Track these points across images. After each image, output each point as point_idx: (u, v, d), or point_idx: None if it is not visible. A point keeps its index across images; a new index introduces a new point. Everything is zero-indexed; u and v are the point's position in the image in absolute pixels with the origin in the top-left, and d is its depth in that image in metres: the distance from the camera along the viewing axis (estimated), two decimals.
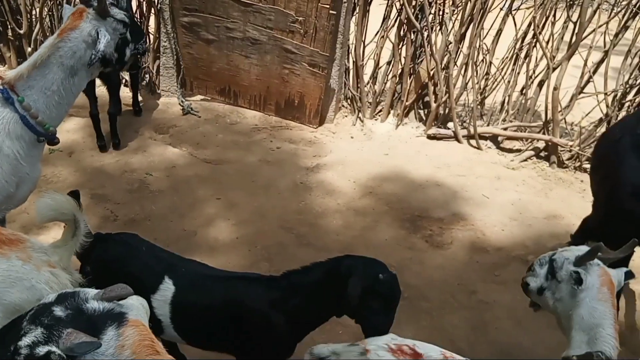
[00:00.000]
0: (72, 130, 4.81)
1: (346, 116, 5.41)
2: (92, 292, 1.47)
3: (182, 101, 5.26)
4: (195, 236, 3.68)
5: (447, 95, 4.95)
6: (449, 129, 5.08)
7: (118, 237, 2.21)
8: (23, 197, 2.57)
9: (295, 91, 5.13)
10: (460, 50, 4.99)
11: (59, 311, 1.38)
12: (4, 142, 2.33)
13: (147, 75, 5.48)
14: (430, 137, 5.05)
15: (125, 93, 5.43)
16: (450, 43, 4.92)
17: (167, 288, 2.07)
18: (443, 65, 4.95)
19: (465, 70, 5.00)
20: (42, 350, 1.28)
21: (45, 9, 5.18)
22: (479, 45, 4.90)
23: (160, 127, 5.00)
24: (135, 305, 1.51)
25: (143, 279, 2.08)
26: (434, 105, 5.02)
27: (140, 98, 5.21)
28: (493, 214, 4.09)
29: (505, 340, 3.07)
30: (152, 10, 5.18)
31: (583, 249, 2.07)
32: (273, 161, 4.60)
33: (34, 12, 5.29)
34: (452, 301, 3.31)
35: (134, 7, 5.02)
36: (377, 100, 5.33)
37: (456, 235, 3.87)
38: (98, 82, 4.57)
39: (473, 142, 4.99)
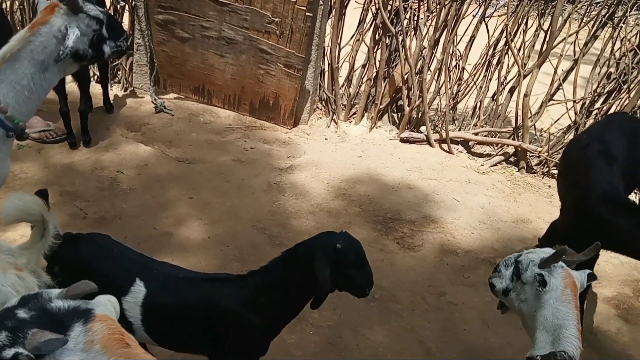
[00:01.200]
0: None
1: (320, 118, 5.43)
2: (55, 291, 1.45)
3: (155, 99, 5.20)
4: (166, 235, 3.65)
5: (421, 99, 5.01)
6: (421, 132, 5.14)
7: (89, 237, 2.17)
8: None
9: (270, 92, 5.14)
10: (434, 56, 5.06)
11: (22, 313, 1.36)
12: None
13: (119, 72, 5.42)
14: (403, 141, 5.11)
15: (97, 89, 5.37)
16: (425, 48, 4.98)
17: (139, 290, 2.05)
18: (417, 70, 5.01)
19: (439, 76, 5.07)
20: (8, 353, 1.27)
21: (17, 2, 5.08)
22: (453, 51, 4.97)
23: (132, 124, 4.94)
24: (102, 302, 1.50)
25: (114, 280, 2.05)
26: (407, 109, 5.08)
27: (112, 95, 5.16)
28: (463, 217, 4.16)
29: (473, 341, 3.13)
30: (126, 7, 5.13)
31: (548, 251, 2.11)
32: (247, 161, 4.59)
33: (4, 6, 5.18)
34: (422, 302, 3.35)
35: (108, 3, 4.96)
36: (352, 102, 5.36)
37: (427, 237, 3.91)
38: (69, 78, 4.51)
39: (445, 146, 5.06)
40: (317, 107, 5.47)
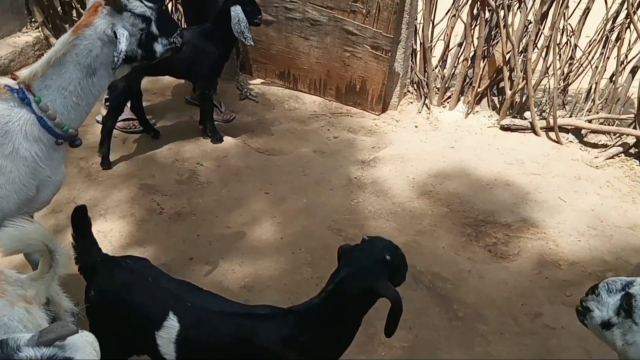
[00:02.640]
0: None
1: (411, 103, 5.02)
2: (24, 337, 1.27)
3: (240, 85, 5.07)
4: (238, 234, 3.50)
5: (525, 81, 4.45)
6: (525, 119, 4.58)
7: (124, 261, 2.03)
8: (45, 201, 2.47)
9: (356, 75, 4.81)
10: (541, 32, 4.45)
11: None
12: (21, 145, 2.22)
13: None
14: (503, 128, 4.58)
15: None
16: (530, 23, 4.39)
17: (172, 325, 1.88)
18: (521, 48, 4.44)
19: (546, 54, 4.47)
20: None
21: None
22: (563, 26, 4.34)
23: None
24: (79, 345, 1.31)
25: (147, 312, 1.90)
26: (509, 92, 4.54)
27: None
28: (569, 220, 3.63)
29: None
30: None
31: None
32: (328, 152, 4.33)
33: None
34: (513, 324, 2.94)
35: None
36: (446, 85, 4.89)
37: (524, 245, 3.45)
38: None
39: (552, 134, 4.47)
40: (408, 91, 5.06)
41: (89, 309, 2.03)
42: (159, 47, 2.44)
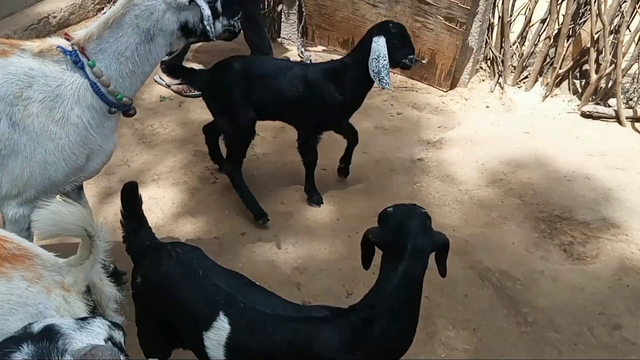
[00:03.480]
0: None
1: (483, 80, 4.68)
2: (75, 343, 1.14)
3: (302, 52, 4.84)
4: (292, 212, 3.32)
5: (613, 65, 4.04)
6: (609, 106, 4.18)
7: (174, 250, 1.84)
8: (95, 170, 2.34)
9: (426, 48, 4.49)
10: (637, 12, 4.01)
11: (19, 355, 1.09)
12: (73, 110, 2.08)
13: (267, 22, 5.11)
14: (584, 115, 4.20)
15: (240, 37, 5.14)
16: (625, 1, 3.97)
17: (222, 327, 1.71)
18: (612, 29, 4.02)
19: None
20: None
21: None
22: None
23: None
24: None
25: (195, 310, 1.74)
26: (594, 76, 4.14)
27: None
28: None
29: None
30: None
31: None
32: (391, 129, 4.07)
33: None
34: (588, 335, 2.67)
35: None
36: (524, 64, 4.52)
37: (604, 246, 3.14)
38: None
39: (639, 126, 4.07)
40: (481, 68, 4.72)
41: (134, 295, 1.89)
42: (219, 26, 2.28)
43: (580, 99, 4.29)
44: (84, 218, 1.47)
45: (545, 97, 4.37)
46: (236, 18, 2.33)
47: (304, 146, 3.25)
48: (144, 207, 3.28)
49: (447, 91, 4.57)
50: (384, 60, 2.82)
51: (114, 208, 3.27)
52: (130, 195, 1.87)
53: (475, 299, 2.80)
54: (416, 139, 3.97)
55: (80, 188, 2.51)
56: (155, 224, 3.19)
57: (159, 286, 1.78)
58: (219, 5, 2.22)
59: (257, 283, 1.97)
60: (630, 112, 4.11)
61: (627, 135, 4.05)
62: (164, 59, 2.93)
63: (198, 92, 4.30)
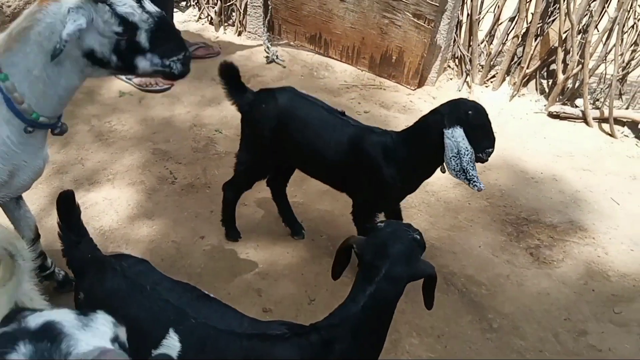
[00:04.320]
0: None
1: (451, 79, 4.62)
2: (81, 345, 1.01)
3: (267, 47, 4.71)
4: (255, 214, 3.21)
5: (581, 65, 4.02)
6: (577, 107, 4.17)
7: (118, 264, 1.71)
8: (22, 186, 2.12)
9: (394, 45, 4.41)
10: (605, 11, 4.00)
11: (19, 354, 0.97)
12: None
13: (234, 14, 4.97)
14: (552, 116, 4.18)
15: (210, 32, 4.99)
16: (594, 1, 3.94)
17: (172, 345, 1.59)
18: (580, 28, 4.00)
19: (608, 37, 4.02)
20: None
21: None
22: (632, 7, 3.88)
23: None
24: None
25: (143, 328, 1.60)
26: (561, 76, 4.12)
27: (224, 40, 4.76)
28: (622, 226, 3.27)
29: None
30: None
31: None
32: None
33: None
34: (553, 341, 2.62)
35: None
36: (491, 63, 4.48)
37: (570, 250, 3.11)
38: None
39: (606, 127, 4.06)
40: (449, 66, 4.65)
41: (79, 308, 1.75)
42: (143, 64, 1.89)
43: (547, 99, 4.27)
44: (8, 236, 1.33)
45: (512, 96, 4.34)
46: (175, 59, 1.91)
47: (362, 228, 2.71)
48: (97, 208, 3.19)
49: (414, 89, 4.50)
50: (468, 155, 2.22)
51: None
52: (67, 205, 1.72)
53: (440, 304, 2.72)
54: None
55: (18, 197, 2.31)
56: (110, 227, 3.04)
57: (103, 303, 1.63)
58: (142, 39, 1.83)
59: (212, 295, 1.85)
60: (597, 113, 4.10)
61: (594, 136, 4.04)
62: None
63: (163, 87, 4.15)
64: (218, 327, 1.60)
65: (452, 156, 2.22)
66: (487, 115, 2.34)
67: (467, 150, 2.22)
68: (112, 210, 3.16)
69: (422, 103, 4.38)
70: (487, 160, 2.37)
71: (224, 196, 2.93)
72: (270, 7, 4.67)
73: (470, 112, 2.27)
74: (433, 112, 2.37)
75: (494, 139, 2.36)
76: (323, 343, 1.60)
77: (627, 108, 4.10)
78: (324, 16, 4.55)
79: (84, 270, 1.70)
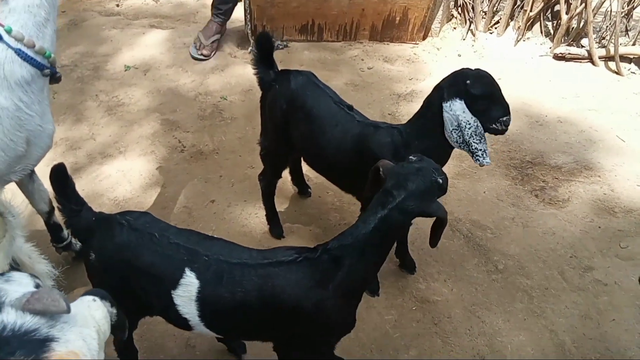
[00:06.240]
0: (150, 44, 4.49)
1: (455, 28, 4.57)
2: (13, 294, 1.07)
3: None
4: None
5: (584, 4, 3.94)
6: (582, 47, 4.11)
7: (124, 219, 1.78)
8: (40, 155, 2.18)
9: (397, 6, 4.27)
10: None
11: None
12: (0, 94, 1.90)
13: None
14: (557, 58, 4.13)
15: None
16: None
17: (190, 282, 1.69)
18: None
19: None
20: None
21: None
22: None
23: (242, 41, 4.51)
24: (76, 328, 1.10)
25: (159, 273, 1.71)
26: (565, 16, 4.05)
27: None
28: (628, 163, 3.26)
29: (623, 336, 2.43)
30: None
31: None
32: (362, 85, 4.00)
33: None
34: (559, 279, 2.67)
35: None
36: (495, 9, 4.41)
37: (576, 189, 3.12)
38: None
39: (612, 65, 4.00)
40: (452, 16, 4.60)
41: (90, 274, 1.85)
42: None
43: (552, 41, 4.21)
44: None
45: (517, 41, 4.29)
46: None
47: None
48: (111, 180, 3.30)
49: (419, 42, 4.47)
50: (470, 128, 2.09)
51: (81, 183, 3.22)
52: (60, 178, 1.77)
53: (446, 250, 2.79)
54: (387, 93, 3.90)
55: (32, 172, 2.39)
56: (124, 197, 3.15)
57: (116, 257, 1.73)
58: None
59: (215, 236, 1.94)
60: (603, 52, 4.03)
61: (601, 75, 3.99)
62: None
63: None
64: (231, 260, 1.71)
65: (453, 129, 2.11)
66: (492, 82, 2.15)
67: (469, 123, 2.08)
68: (125, 181, 3.26)
69: (426, 55, 4.36)
70: (504, 130, 2.20)
71: (262, 194, 2.87)
72: (250, 9, 4.27)
73: (468, 81, 2.09)
74: (435, 89, 2.21)
75: (506, 107, 2.17)
76: (333, 260, 1.71)
77: (633, 44, 4.02)
78: (317, 2, 4.29)
79: (91, 234, 1.79)
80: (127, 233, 1.74)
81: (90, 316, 1.16)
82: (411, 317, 2.52)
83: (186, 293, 1.71)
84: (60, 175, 1.74)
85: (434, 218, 1.76)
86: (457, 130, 2.11)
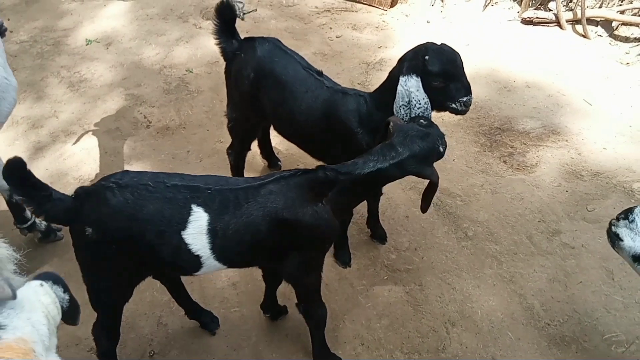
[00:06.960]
0: (112, 16, 4.35)
1: None
2: None
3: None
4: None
5: None
6: (549, 10, 4.10)
7: (110, 182, 1.71)
8: (7, 112, 2.12)
9: None
10: None
11: None
12: None
13: None
14: (525, 22, 4.12)
15: None
16: None
17: (199, 217, 1.69)
18: None
19: None
20: None
21: None
22: None
23: (208, 11, 4.41)
24: (23, 314, 1.08)
25: (165, 216, 1.68)
26: None
27: None
28: (595, 126, 3.29)
29: (590, 298, 2.48)
30: None
31: None
32: (331, 54, 3.94)
33: None
34: (527, 244, 2.70)
35: None
36: None
37: (544, 154, 3.15)
38: None
39: (579, 28, 4.01)
40: None
41: (85, 249, 1.77)
42: None
43: (520, 5, 4.19)
44: None
45: (485, 6, 4.26)
46: None
47: None
48: (76, 158, 3.22)
49: (387, 9, 4.42)
50: (419, 108, 2.03)
51: (45, 162, 3.14)
52: (18, 171, 1.67)
53: (416, 219, 2.80)
54: (356, 62, 3.86)
55: None
56: (89, 176, 3.08)
57: (118, 219, 1.67)
58: None
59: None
60: (570, 15, 4.03)
61: (568, 39, 3.99)
62: None
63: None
64: (233, 187, 1.74)
65: (402, 105, 2.03)
66: (452, 59, 2.02)
67: (420, 103, 2.01)
68: (90, 159, 3.19)
69: (395, 22, 4.31)
70: (464, 111, 2.10)
71: (229, 162, 2.85)
72: None
73: (427, 57, 1.98)
74: (398, 61, 2.12)
75: (467, 87, 2.06)
76: (326, 178, 1.80)
77: (600, 7, 4.02)
78: None
79: (75, 212, 1.71)
80: (120, 193, 1.68)
81: (38, 301, 1.13)
82: (383, 286, 2.53)
83: (197, 228, 1.70)
84: (17, 167, 1.63)
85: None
86: (405, 107, 2.04)
